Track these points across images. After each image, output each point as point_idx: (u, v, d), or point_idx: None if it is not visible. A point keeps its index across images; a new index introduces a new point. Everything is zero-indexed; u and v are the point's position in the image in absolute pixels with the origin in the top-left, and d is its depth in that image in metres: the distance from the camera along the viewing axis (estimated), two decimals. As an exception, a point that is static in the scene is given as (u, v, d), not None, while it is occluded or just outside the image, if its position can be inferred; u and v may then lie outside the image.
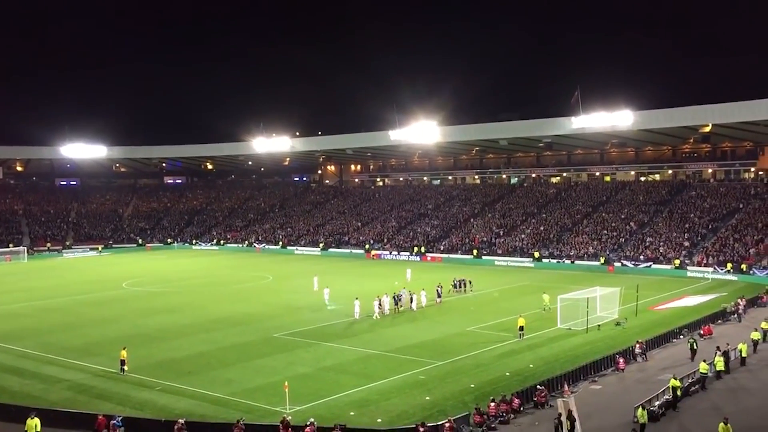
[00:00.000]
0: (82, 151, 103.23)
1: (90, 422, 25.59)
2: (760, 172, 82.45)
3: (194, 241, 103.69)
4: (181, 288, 61.99)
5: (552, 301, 45.20)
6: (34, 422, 24.19)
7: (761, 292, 49.92)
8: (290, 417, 25.69)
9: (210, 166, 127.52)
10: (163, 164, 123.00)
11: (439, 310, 48.71)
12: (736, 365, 32.68)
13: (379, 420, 26.39)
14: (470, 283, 56.74)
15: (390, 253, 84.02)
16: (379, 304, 45.94)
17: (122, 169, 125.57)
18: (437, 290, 51.79)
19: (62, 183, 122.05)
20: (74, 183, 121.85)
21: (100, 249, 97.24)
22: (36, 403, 27.82)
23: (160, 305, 52.56)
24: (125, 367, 33.09)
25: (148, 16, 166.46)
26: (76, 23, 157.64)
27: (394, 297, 47.59)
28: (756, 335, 35.89)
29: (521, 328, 39.14)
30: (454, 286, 55.02)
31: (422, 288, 51.26)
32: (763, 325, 37.93)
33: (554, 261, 72.19)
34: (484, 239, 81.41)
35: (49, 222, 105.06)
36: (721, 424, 22.60)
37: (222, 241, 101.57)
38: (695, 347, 34.08)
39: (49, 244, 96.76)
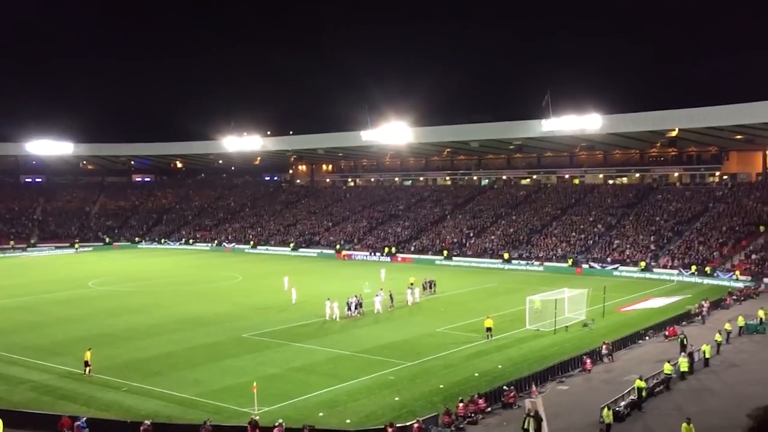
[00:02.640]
0: (48, 147, 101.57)
1: (54, 423, 25.19)
2: (725, 177, 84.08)
3: (163, 240, 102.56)
4: (149, 287, 61.29)
5: (540, 304, 43.57)
6: (-4, 424, 23.74)
7: (724, 295, 50.89)
8: (258, 418, 25.55)
9: (180, 165, 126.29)
10: (132, 162, 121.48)
11: (409, 311, 48.80)
12: (699, 366, 33.26)
13: (348, 421, 26.37)
14: (434, 284, 56.42)
15: (362, 254, 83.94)
16: (340, 306, 45.41)
17: (89, 167, 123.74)
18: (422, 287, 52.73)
19: (27, 180, 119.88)
20: (40, 180, 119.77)
21: (77, 246, 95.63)
22: (-2, 404, 27.31)
23: (127, 305, 51.89)
24: (90, 368, 32.57)
25: (118, 11, 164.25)
26: (42, 17, 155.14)
27: (347, 302, 46.04)
28: (719, 337, 36.58)
29: (488, 329, 39.30)
30: (423, 288, 54.85)
31: (389, 289, 51.04)
32: (727, 326, 38.68)
33: (523, 262, 72.80)
34: (455, 240, 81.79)
35: (13, 219, 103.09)
36: (684, 424, 23.00)
37: (191, 241, 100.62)
38: (685, 342, 34.91)
39: (12, 242, 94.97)
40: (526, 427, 24.26)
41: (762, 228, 66.42)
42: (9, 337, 40.77)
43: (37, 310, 50.03)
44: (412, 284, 53.30)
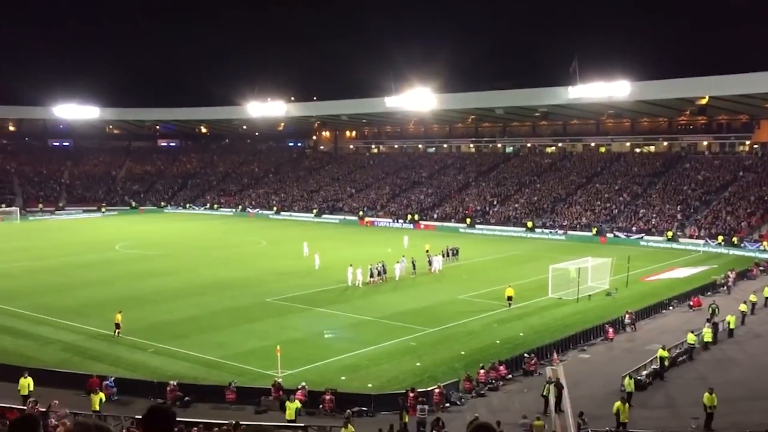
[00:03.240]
0: (74, 112, 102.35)
1: (82, 382, 25.83)
2: (755, 146, 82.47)
3: (188, 205, 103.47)
4: (175, 251, 62.01)
5: (575, 273, 42.72)
6: (27, 381, 24.38)
7: (751, 265, 50.32)
8: (282, 380, 25.94)
9: (204, 130, 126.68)
10: (157, 127, 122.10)
11: (432, 278, 48.92)
12: (723, 337, 33.07)
13: (369, 385, 26.69)
14: (457, 251, 56.46)
15: (385, 221, 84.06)
16: (365, 272, 45.68)
17: (115, 131, 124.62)
18: (442, 255, 52.63)
19: (55, 144, 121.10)
20: (67, 144, 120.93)
21: (103, 210, 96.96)
22: (29, 362, 28.00)
23: (153, 268, 52.62)
24: (119, 331, 33.21)
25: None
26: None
27: (369, 269, 46.21)
28: (744, 307, 36.27)
29: (509, 298, 39.21)
30: (444, 255, 54.70)
31: (411, 257, 50.98)
32: (752, 297, 38.32)
33: (547, 231, 72.42)
34: (478, 208, 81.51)
35: (41, 183, 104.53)
36: (706, 394, 22.95)
37: (216, 206, 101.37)
38: (717, 312, 34.79)
39: (41, 205, 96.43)
40: (545, 393, 24.39)
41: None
42: (38, 299, 41.61)
43: (66, 273, 50.94)
44: (428, 251, 53.36)
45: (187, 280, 47.95)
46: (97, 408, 23.57)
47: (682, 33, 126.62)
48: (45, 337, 33.66)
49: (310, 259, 52.83)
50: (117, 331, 33.19)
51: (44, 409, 19.78)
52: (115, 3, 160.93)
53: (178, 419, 18.03)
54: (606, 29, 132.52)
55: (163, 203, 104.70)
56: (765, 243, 59.14)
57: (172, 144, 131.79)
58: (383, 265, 47.14)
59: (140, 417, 4.33)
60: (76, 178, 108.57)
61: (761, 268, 49.90)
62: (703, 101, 72.27)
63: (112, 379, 26.00)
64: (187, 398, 25.19)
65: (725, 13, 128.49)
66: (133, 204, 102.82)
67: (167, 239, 70.97)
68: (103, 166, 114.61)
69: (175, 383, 25.42)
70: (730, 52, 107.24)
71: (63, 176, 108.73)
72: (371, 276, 45.89)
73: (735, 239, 61.24)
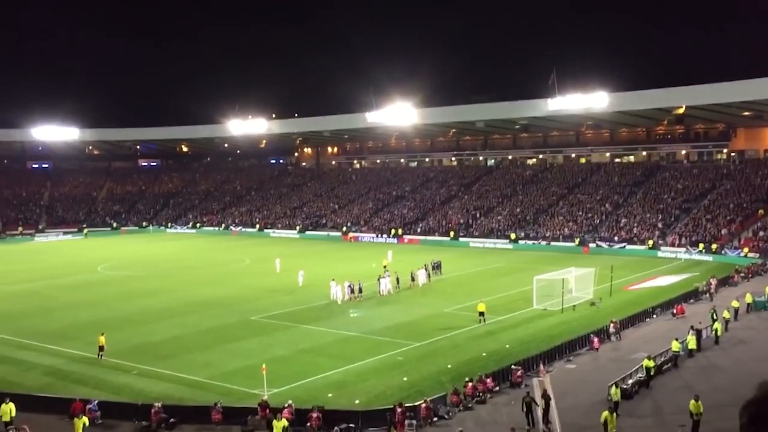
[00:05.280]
0: (53, 133, 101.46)
1: (66, 407, 25.45)
2: (732, 153, 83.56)
3: (170, 225, 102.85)
4: (158, 271, 61.57)
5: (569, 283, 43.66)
6: (9, 407, 24.02)
7: (732, 272, 50.79)
8: (268, 399, 25.74)
9: (185, 149, 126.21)
10: (138, 147, 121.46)
11: (417, 292, 48.87)
12: (710, 344, 33.28)
13: (357, 401, 26.55)
14: (440, 265, 56.21)
15: (369, 236, 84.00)
16: (347, 288, 45.51)
17: (95, 152, 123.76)
18: (425, 270, 52.18)
19: (34, 166, 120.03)
20: (46, 165, 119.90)
21: (86, 232, 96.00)
22: (11, 388, 27.58)
23: (136, 289, 52.17)
24: (103, 353, 32.82)
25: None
26: (45, 2, 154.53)
27: (349, 286, 45.90)
28: (727, 314, 36.55)
29: (481, 314, 38.23)
30: (433, 268, 54.63)
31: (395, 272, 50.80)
32: (734, 304, 38.64)
33: (530, 242, 72.74)
34: (461, 221, 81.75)
35: (21, 205, 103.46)
36: (692, 401, 23.05)
37: (198, 225, 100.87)
38: (715, 317, 34.98)
39: (21, 228, 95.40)
40: (524, 410, 24.28)
41: (761, 212, 65.72)
42: (20, 322, 41.07)
43: (47, 295, 50.36)
44: (385, 266, 52.58)
45: (170, 300, 47.56)
46: (81, 432, 23.21)
47: (658, 44, 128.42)
48: (27, 361, 33.19)
49: (293, 276, 52.29)
50: (100, 353, 32.79)
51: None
52: (93, 22, 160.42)
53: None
54: (583, 41, 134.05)
55: (145, 223, 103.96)
56: (745, 249, 59.78)
57: (153, 164, 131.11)
58: (360, 285, 46.43)
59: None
60: (56, 200, 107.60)
61: (742, 274, 50.36)
62: (680, 111, 73.20)
63: (96, 402, 25.66)
64: (172, 420, 24.91)
65: (701, 23, 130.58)
66: (115, 225, 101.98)
67: (150, 259, 70.43)
68: (83, 188, 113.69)
69: (160, 405, 25.13)
70: (707, 61, 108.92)
71: (42, 198, 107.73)
72: (351, 292, 45.60)
73: (715, 246, 61.84)
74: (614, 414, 22.93)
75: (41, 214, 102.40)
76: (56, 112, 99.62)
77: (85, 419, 23.75)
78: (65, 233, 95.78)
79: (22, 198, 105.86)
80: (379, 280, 48.06)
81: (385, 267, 52.82)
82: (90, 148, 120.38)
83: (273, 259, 60.41)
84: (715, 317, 35.07)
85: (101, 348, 32.81)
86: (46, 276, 59.53)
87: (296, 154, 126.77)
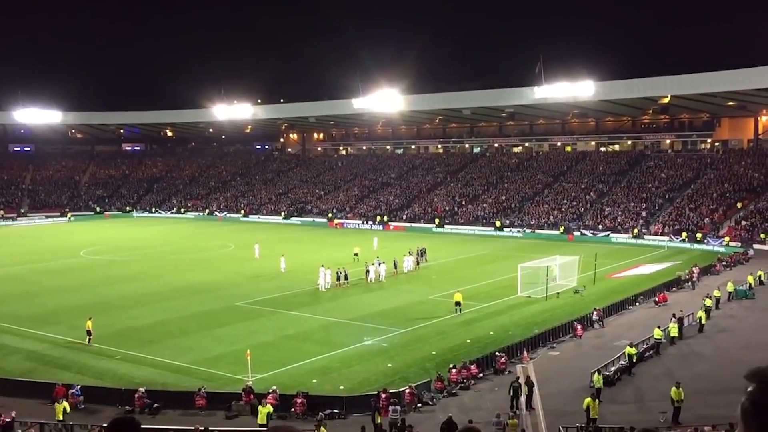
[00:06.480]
0: (36, 116, 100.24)
1: (48, 391, 25.30)
2: (716, 143, 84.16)
3: (154, 209, 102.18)
4: (141, 256, 61.18)
5: (556, 271, 43.82)
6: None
7: (714, 261, 51.27)
8: (252, 384, 25.73)
9: (170, 133, 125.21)
10: (121, 131, 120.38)
11: (402, 279, 48.90)
12: (693, 332, 33.61)
13: (341, 387, 26.61)
14: (425, 252, 56.07)
15: (354, 223, 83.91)
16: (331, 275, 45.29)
17: (79, 135, 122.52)
18: (412, 256, 52.18)
19: (16, 149, 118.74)
20: (28, 149, 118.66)
21: (70, 216, 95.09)
22: (-8, 373, 27.37)
23: (119, 274, 51.84)
24: (91, 338, 32.54)
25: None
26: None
27: (337, 272, 45.82)
28: (709, 302, 36.92)
29: (458, 303, 37.74)
30: (419, 254, 54.48)
31: (378, 258, 50.50)
32: (716, 292, 39.03)
33: (515, 230, 72.99)
34: (447, 208, 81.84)
35: (2, 189, 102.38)
36: (673, 388, 23.31)
37: (183, 210, 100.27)
38: (711, 299, 35.97)
39: (2, 212, 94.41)
40: (511, 393, 24.49)
41: (740, 205, 66.30)
42: (1, 307, 40.70)
43: (29, 280, 49.92)
44: (356, 254, 53.63)
45: (154, 285, 47.31)
46: (61, 417, 23.09)
47: (645, 33, 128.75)
48: (9, 346, 32.93)
49: (275, 261, 51.89)
50: (89, 338, 32.54)
51: (9, 420, 19.37)
52: (77, 2, 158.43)
53: (146, 426, 17.78)
54: (570, 29, 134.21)
55: (128, 208, 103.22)
56: (727, 238, 60.35)
57: (136, 148, 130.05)
58: (345, 271, 46.36)
59: (106, 426, 4.21)
60: (39, 184, 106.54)
61: (724, 263, 50.86)
62: (666, 100, 73.62)
63: (79, 387, 25.54)
64: (156, 405, 24.84)
65: (687, 14, 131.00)
66: (98, 209, 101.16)
67: (134, 244, 69.94)
68: (66, 171, 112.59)
69: (144, 390, 25.05)
70: (693, 51, 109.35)
71: (25, 182, 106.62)
72: (338, 279, 45.49)
73: (698, 235, 62.36)
74: (597, 400, 23.14)
75: (23, 198, 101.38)
76: (39, 94, 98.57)
77: (66, 404, 23.62)
78: (48, 217, 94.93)
79: (3, 181, 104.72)
80: (367, 268, 47.72)
81: (356, 254, 53.09)
82: (73, 131, 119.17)
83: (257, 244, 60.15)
84: (708, 305, 35.73)
85: (89, 332, 32.55)
86: (29, 260, 58.98)
87: (282, 140, 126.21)
